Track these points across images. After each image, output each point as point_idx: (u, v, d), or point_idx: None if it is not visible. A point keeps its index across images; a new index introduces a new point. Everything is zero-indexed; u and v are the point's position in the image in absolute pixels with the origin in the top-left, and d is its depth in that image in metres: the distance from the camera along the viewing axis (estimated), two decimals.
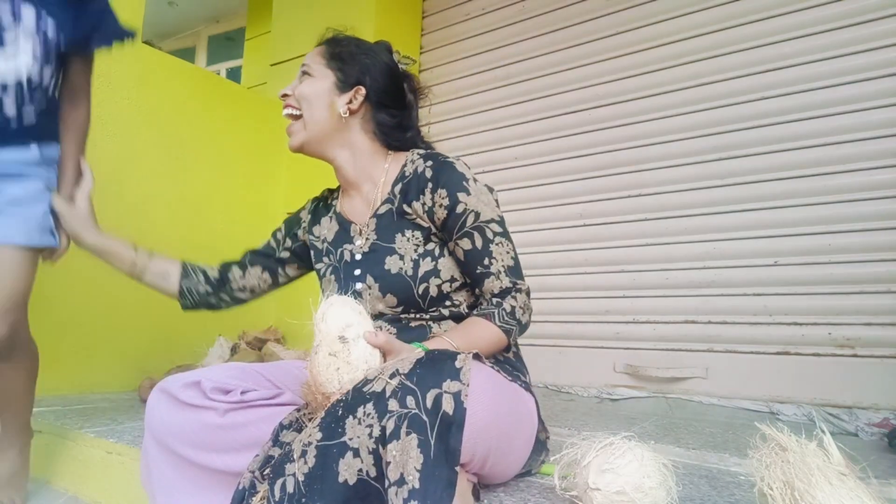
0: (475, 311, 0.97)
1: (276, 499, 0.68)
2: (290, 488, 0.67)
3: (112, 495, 1.24)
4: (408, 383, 0.67)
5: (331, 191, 1.20)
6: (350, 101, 1.03)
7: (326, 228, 1.12)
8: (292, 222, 1.19)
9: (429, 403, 0.65)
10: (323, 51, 1.07)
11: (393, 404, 0.65)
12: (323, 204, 1.18)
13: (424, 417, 0.64)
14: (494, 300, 0.95)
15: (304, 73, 1.06)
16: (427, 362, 0.69)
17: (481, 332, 0.92)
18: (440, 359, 0.70)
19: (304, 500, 0.65)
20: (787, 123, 1.87)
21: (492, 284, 0.96)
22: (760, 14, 1.94)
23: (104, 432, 1.32)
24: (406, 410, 0.64)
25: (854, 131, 1.77)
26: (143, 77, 2.07)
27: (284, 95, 1.05)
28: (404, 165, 1.05)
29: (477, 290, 0.98)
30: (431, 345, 0.87)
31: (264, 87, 2.98)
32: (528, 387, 1.00)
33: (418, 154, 1.04)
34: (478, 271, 0.96)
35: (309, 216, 1.17)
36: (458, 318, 1.00)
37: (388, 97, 1.07)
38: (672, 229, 2.05)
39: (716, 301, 1.95)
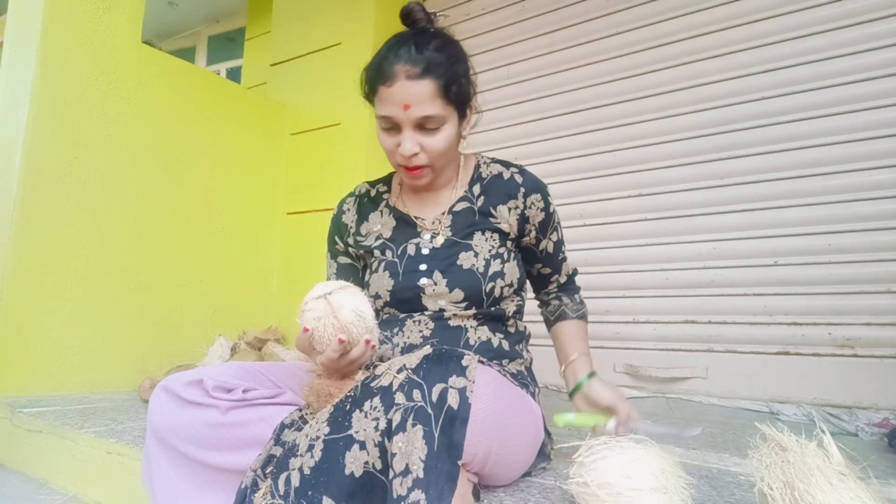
0: (556, 312, 1.15)
1: (281, 493, 0.68)
2: (295, 482, 0.68)
3: (112, 495, 1.24)
4: (414, 377, 0.68)
5: (371, 184, 1.16)
6: (468, 122, 1.03)
7: (379, 224, 1.09)
8: (341, 231, 1.13)
9: (434, 397, 0.66)
10: (434, 87, 0.91)
11: (399, 397, 0.66)
12: (367, 199, 1.14)
13: (430, 410, 0.65)
14: (568, 291, 1.16)
15: (424, 121, 0.92)
16: (434, 358, 0.70)
17: (583, 334, 1.13)
18: (447, 356, 0.71)
19: (310, 492, 0.66)
20: (787, 124, 1.87)
21: (567, 267, 1.15)
22: (760, 14, 1.94)
23: (104, 432, 1.32)
24: (412, 403, 0.65)
25: (854, 131, 1.77)
26: (143, 77, 2.07)
27: (414, 156, 0.95)
28: (477, 167, 1.09)
29: (554, 278, 1.14)
30: (580, 367, 1.07)
31: (264, 87, 2.98)
32: (534, 397, 1.01)
33: (489, 158, 1.11)
34: (560, 258, 1.12)
35: (354, 215, 1.12)
36: (499, 318, 1.03)
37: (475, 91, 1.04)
38: (672, 229, 2.05)
39: (716, 301, 1.95)
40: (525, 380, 1.01)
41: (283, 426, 0.82)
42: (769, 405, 1.78)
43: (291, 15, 2.78)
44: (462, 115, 0.99)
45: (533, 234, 1.06)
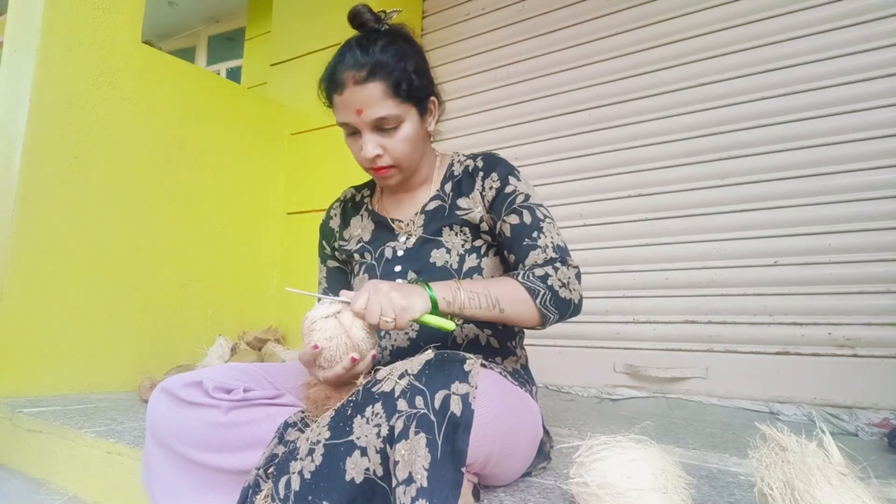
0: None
1: (282, 497, 0.68)
2: (295, 486, 0.67)
3: (112, 495, 1.24)
4: (417, 384, 0.67)
5: (357, 189, 1.18)
6: (433, 116, 1.01)
7: (360, 228, 1.11)
8: (328, 236, 1.16)
9: (437, 404, 0.65)
10: (383, 89, 0.91)
11: (402, 404, 0.66)
12: (351, 204, 1.16)
13: (433, 417, 0.64)
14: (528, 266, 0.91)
15: (379, 122, 0.92)
16: (436, 363, 0.69)
17: (497, 281, 0.89)
18: (449, 361, 0.70)
19: (310, 497, 0.66)
20: (787, 123, 1.87)
21: (536, 256, 0.91)
22: (760, 14, 1.94)
23: (104, 432, 1.32)
24: (415, 410, 0.65)
25: (854, 131, 1.77)
26: (143, 77, 2.07)
27: (377, 157, 0.95)
28: (451, 165, 1.07)
29: (520, 267, 0.94)
30: (436, 287, 0.84)
31: (264, 87, 2.98)
32: (533, 395, 1.00)
33: (465, 155, 1.07)
34: (524, 243, 0.93)
35: (339, 220, 1.15)
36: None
37: (434, 83, 1.02)
38: (672, 229, 2.05)
39: (716, 301, 1.95)
40: (522, 378, 1.01)
41: (286, 425, 0.81)
42: (769, 405, 1.78)
43: (291, 15, 2.78)
44: (423, 110, 0.98)
45: (489, 215, 0.99)
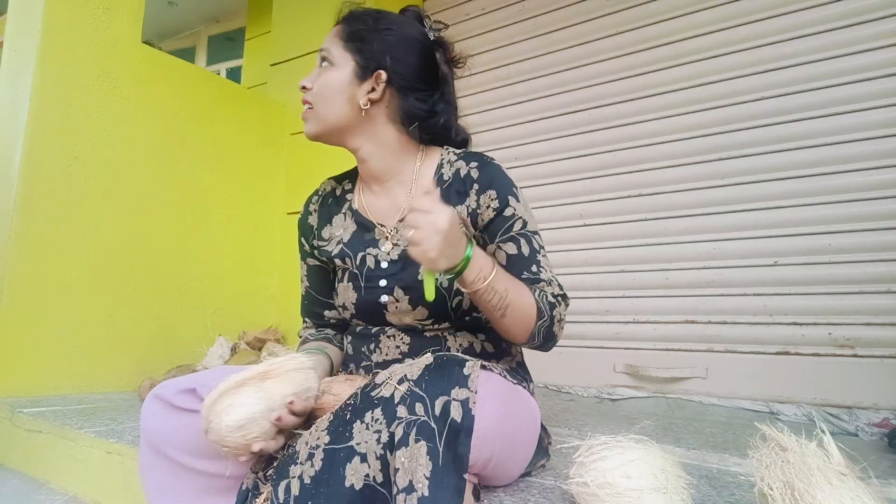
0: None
1: (281, 501, 0.68)
2: (295, 490, 0.67)
3: (112, 495, 1.24)
4: (416, 390, 0.66)
5: (338, 180, 1.10)
6: (371, 90, 0.93)
7: (341, 228, 1.03)
8: (306, 233, 1.10)
9: (437, 411, 0.64)
10: (340, 31, 0.96)
11: (402, 411, 0.65)
12: (332, 200, 1.08)
13: (433, 424, 0.63)
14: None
15: (323, 58, 0.96)
16: (436, 368, 0.69)
17: (518, 288, 0.85)
18: (449, 365, 0.69)
19: (310, 502, 0.65)
20: (787, 123, 1.87)
21: (544, 290, 0.91)
22: (760, 14, 1.94)
23: (104, 432, 1.32)
24: (415, 417, 0.64)
25: (854, 131, 1.77)
26: (143, 77, 2.07)
27: (304, 88, 0.96)
28: (440, 166, 0.98)
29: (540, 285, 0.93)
30: (477, 257, 0.79)
31: (264, 87, 2.98)
32: (531, 392, 1.00)
33: (455, 154, 0.99)
34: (524, 276, 0.90)
35: (317, 218, 1.08)
36: (476, 325, 0.96)
37: (417, 78, 0.96)
38: (672, 229, 2.05)
39: (716, 301, 1.95)
40: (519, 376, 1.00)
41: None
42: (769, 405, 1.78)
43: (291, 15, 2.78)
44: (363, 72, 0.93)
45: (481, 234, 0.93)
